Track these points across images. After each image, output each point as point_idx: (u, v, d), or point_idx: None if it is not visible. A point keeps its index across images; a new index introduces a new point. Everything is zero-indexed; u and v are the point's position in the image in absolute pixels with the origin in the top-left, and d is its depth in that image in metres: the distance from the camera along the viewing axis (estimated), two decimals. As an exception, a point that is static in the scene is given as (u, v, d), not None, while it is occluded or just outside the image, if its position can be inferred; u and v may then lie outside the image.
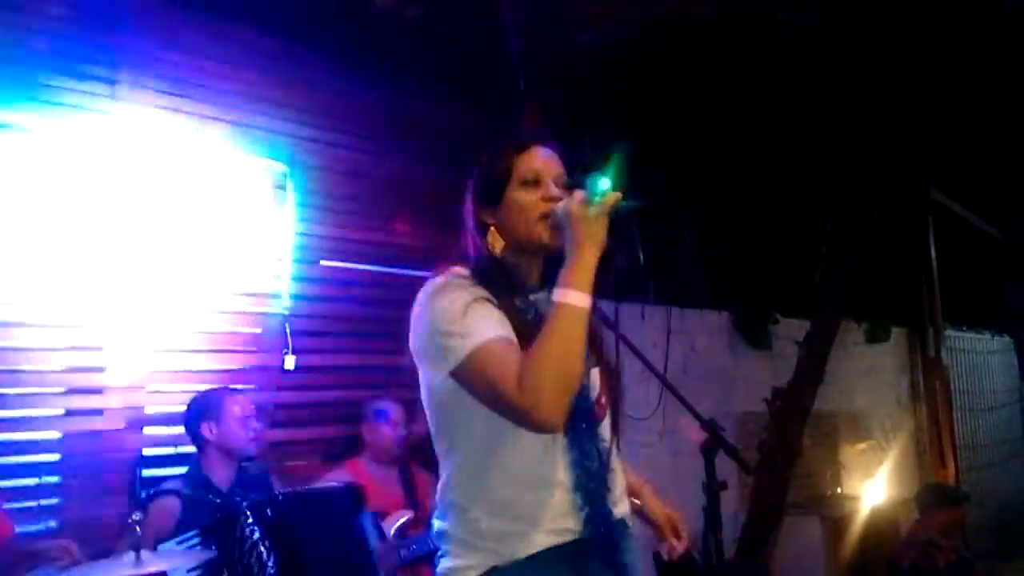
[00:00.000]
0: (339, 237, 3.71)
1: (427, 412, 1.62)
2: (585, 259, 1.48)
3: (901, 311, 7.27)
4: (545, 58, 4.17)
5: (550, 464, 1.54)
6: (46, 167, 2.94)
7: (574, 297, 1.46)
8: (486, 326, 1.48)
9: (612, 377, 1.69)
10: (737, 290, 5.74)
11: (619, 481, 1.65)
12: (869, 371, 6.96)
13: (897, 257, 6.89)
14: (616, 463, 1.66)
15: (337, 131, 3.77)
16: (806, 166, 5.63)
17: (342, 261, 3.70)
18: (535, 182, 1.61)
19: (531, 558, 1.52)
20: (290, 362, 3.44)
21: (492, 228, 1.62)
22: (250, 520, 2.50)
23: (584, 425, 1.58)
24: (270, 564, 2.47)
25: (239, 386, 3.24)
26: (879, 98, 5.04)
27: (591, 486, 1.56)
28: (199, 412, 2.92)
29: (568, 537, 1.54)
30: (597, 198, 1.50)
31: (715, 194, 5.53)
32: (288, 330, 3.46)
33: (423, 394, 1.61)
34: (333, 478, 3.23)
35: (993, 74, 4.91)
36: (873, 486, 6.28)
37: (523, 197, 1.60)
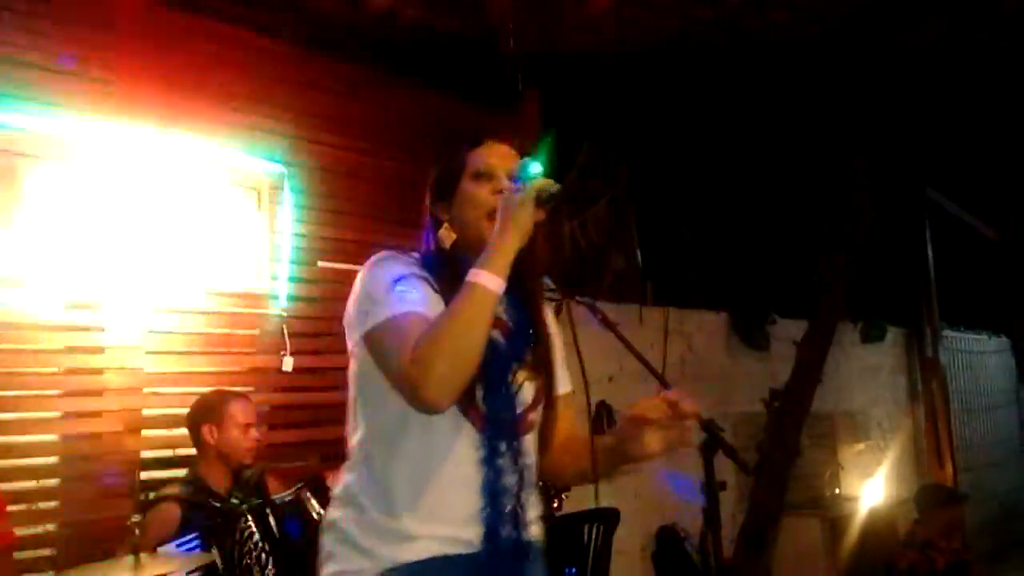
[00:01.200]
0: (336, 238, 3.71)
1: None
2: (505, 243, 1.43)
3: (898, 311, 7.28)
4: (543, 60, 4.17)
5: (457, 459, 1.48)
6: (44, 170, 2.94)
7: (485, 278, 1.40)
8: (409, 300, 1.45)
9: (548, 398, 1.63)
10: (735, 291, 5.74)
11: (533, 504, 1.57)
12: (867, 372, 6.97)
13: (894, 257, 6.91)
14: (532, 486, 1.58)
15: (334, 132, 3.77)
16: (803, 167, 5.64)
17: (340, 262, 3.69)
18: (487, 176, 1.58)
19: (413, 566, 1.43)
20: (288, 364, 3.44)
21: (446, 224, 1.60)
22: (250, 523, 2.50)
23: (504, 431, 1.52)
24: (269, 567, 2.47)
25: (240, 387, 3.22)
26: (876, 98, 5.04)
27: (498, 487, 1.48)
28: (201, 414, 2.91)
29: (460, 549, 1.46)
30: (525, 183, 1.46)
31: (713, 195, 5.54)
32: (286, 332, 3.46)
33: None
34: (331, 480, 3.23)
35: (990, 74, 4.92)
36: (871, 486, 6.27)
37: (473, 190, 1.57)
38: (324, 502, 2.72)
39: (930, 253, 7.25)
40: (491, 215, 1.52)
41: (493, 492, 1.48)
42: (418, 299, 1.47)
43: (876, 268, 6.21)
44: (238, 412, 2.90)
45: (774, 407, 5.11)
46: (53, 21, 3.01)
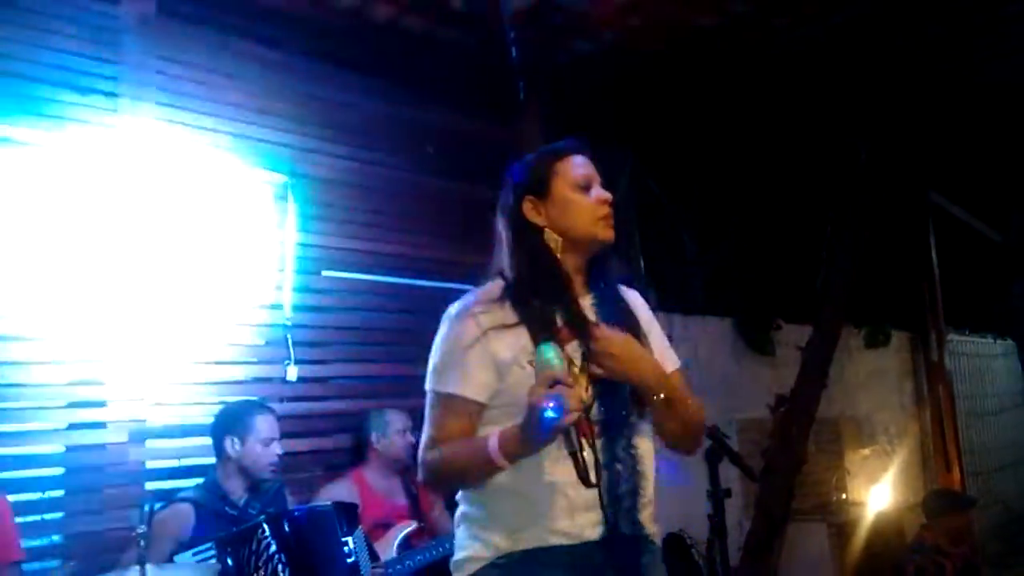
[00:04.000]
0: (341, 247, 3.71)
1: None
2: (528, 449, 1.50)
3: (903, 316, 7.25)
4: (545, 67, 4.18)
5: (565, 464, 1.53)
6: (49, 181, 2.94)
7: (501, 462, 1.51)
8: (462, 377, 1.60)
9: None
10: (739, 296, 5.73)
11: (649, 489, 1.63)
12: (872, 376, 6.94)
13: (899, 261, 6.89)
14: (647, 469, 1.64)
15: (338, 141, 3.78)
16: (806, 171, 5.64)
17: (344, 271, 3.70)
18: (586, 187, 1.68)
19: (528, 555, 1.54)
20: (292, 373, 3.44)
21: (546, 229, 1.65)
22: (267, 533, 2.50)
23: (617, 430, 1.59)
24: (285, 577, 2.46)
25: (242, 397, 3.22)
26: (878, 102, 5.04)
27: (618, 491, 1.56)
28: (226, 425, 2.90)
29: (574, 540, 1.54)
30: (560, 411, 1.41)
31: (716, 200, 5.54)
32: (290, 341, 3.46)
33: None
34: (335, 489, 3.22)
35: (992, 77, 4.92)
36: (878, 492, 6.24)
37: (580, 200, 1.66)
38: (353, 527, 2.72)
39: (935, 257, 7.23)
40: (602, 218, 1.66)
41: (613, 496, 1.56)
42: (475, 372, 1.59)
43: (881, 272, 6.19)
44: (262, 426, 2.89)
45: (780, 413, 5.09)
46: (56, 34, 3.02)
